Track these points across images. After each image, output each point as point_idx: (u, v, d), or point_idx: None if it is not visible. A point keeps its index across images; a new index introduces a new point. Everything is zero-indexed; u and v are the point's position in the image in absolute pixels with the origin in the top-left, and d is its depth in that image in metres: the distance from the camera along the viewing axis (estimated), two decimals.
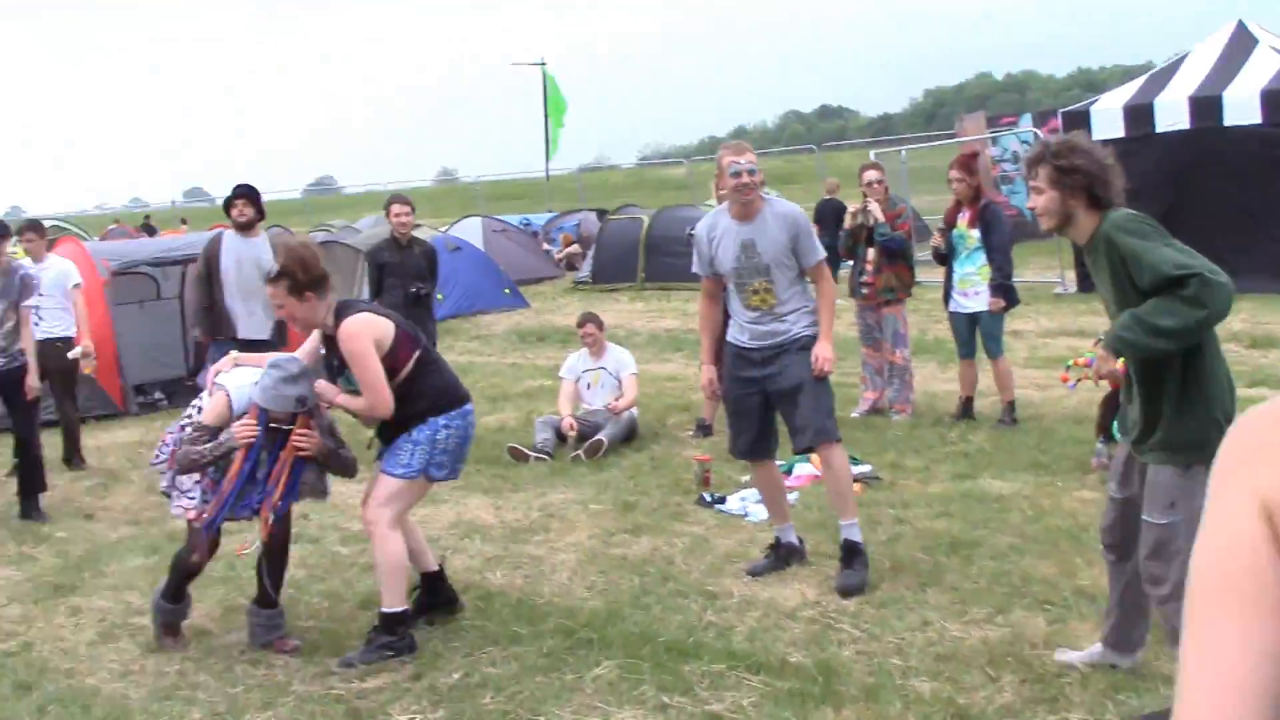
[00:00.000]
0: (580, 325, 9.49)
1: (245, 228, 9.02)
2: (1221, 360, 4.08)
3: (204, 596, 6.05)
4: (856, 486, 7.22)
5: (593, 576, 5.99)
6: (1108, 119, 14.76)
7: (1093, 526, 6.17)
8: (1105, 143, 14.60)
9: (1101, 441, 7.51)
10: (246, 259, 8.94)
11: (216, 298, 8.91)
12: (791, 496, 7.11)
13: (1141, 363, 4.05)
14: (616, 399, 9.21)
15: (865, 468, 7.64)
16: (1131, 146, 14.49)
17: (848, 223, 9.34)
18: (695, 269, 6.09)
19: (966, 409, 9.06)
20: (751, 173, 5.54)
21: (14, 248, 8.47)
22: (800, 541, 6.06)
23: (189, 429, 5.19)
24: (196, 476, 5.15)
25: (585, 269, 22.96)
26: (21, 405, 7.92)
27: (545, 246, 27.20)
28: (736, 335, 5.86)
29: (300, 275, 4.95)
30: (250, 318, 8.98)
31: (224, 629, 5.59)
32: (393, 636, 5.05)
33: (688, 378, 11.97)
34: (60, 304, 9.30)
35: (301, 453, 5.02)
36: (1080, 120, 15.06)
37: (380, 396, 4.91)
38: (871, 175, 9.29)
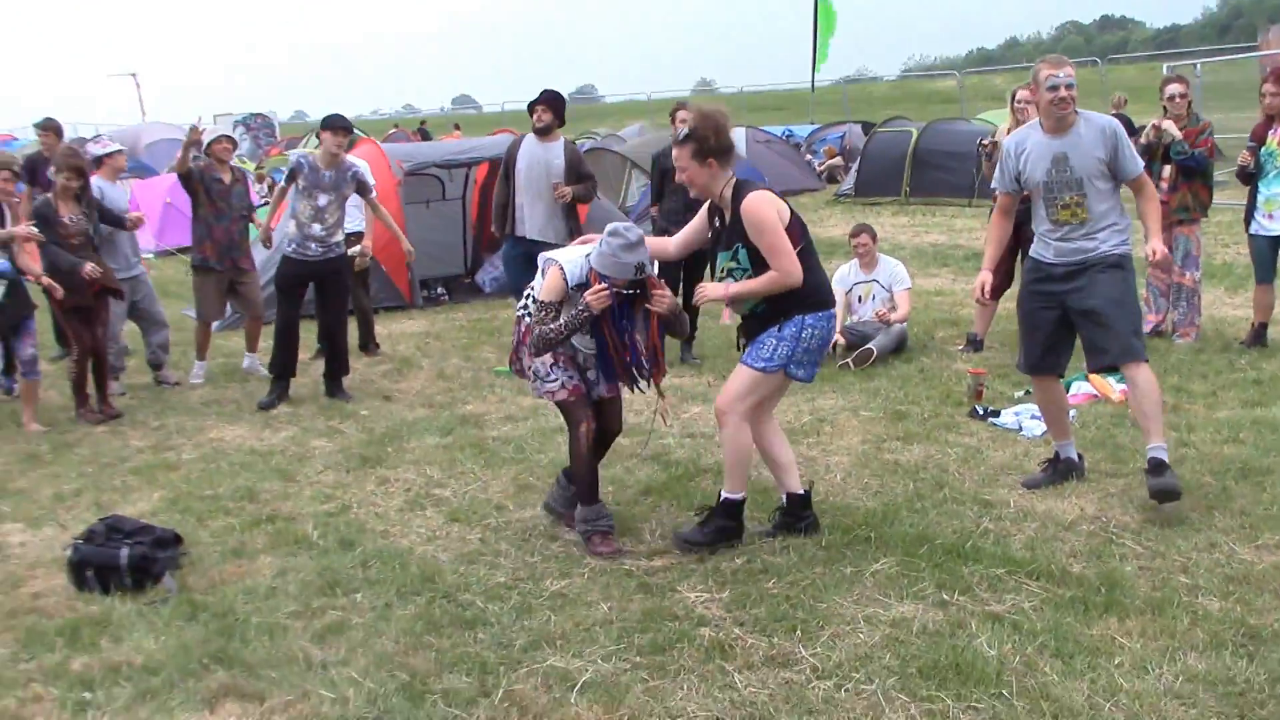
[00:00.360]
0: (854, 235, 9.46)
1: (543, 132, 9.37)
2: None
3: (498, 475, 6.51)
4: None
5: (866, 479, 6.11)
6: None
7: None
8: None
9: None
10: (538, 162, 9.33)
11: (511, 196, 9.35)
12: (1073, 413, 7.01)
13: None
14: (889, 310, 9.21)
15: None
16: None
17: (1144, 138, 8.95)
18: (994, 184, 6.04)
19: (1259, 335, 8.64)
20: (1070, 86, 5.41)
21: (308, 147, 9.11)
22: (1080, 458, 5.99)
23: (530, 309, 5.37)
24: (551, 359, 5.33)
25: (848, 182, 22.72)
26: (335, 295, 8.58)
27: (807, 158, 27.01)
28: (1040, 250, 5.76)
29: (711, 140, 5.00)
30: (533, 219, 9.40)
31: (519, 505, 5.99)
32: (730, 521, 5.22)
33: (954, 292, 11.82)
34: (356, 201, 9.97)
35: (658, 311, 5.20)
36: None
37: (791, 262, 4.91)
38: (1174, 89, 8.81)
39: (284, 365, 8.52)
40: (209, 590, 5.04)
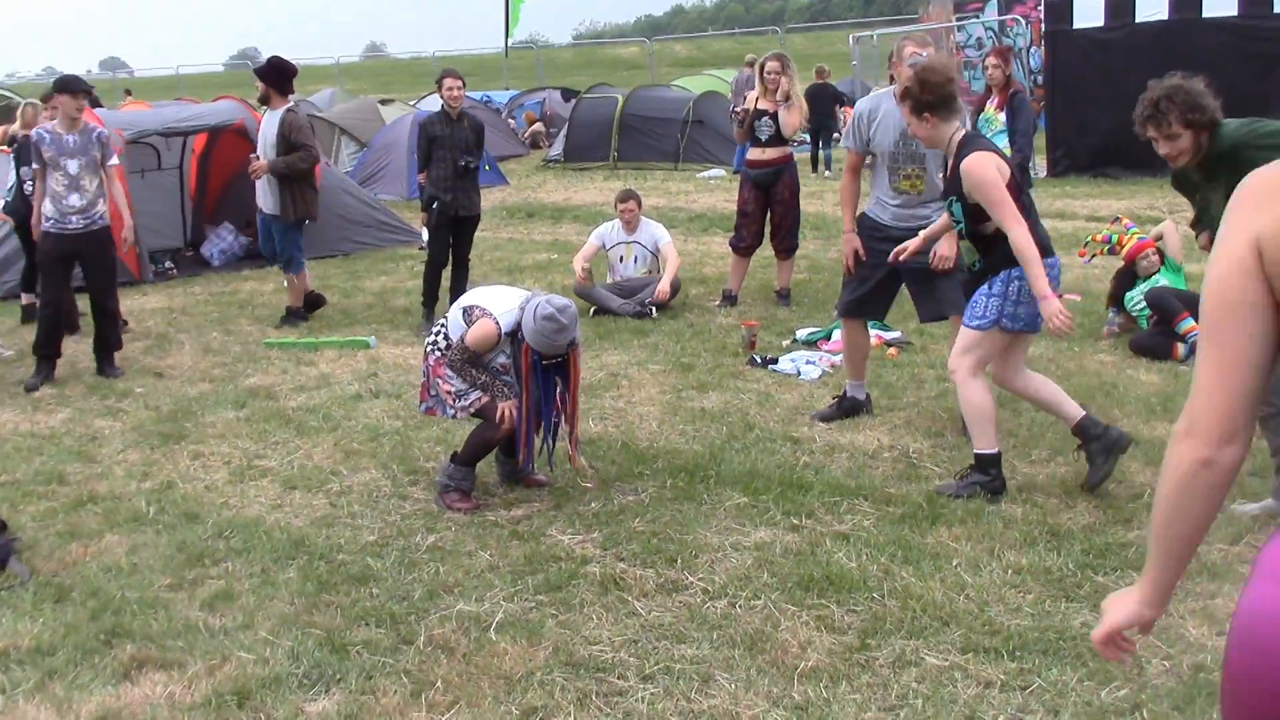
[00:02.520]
0: (622, 201, 9.81)
1: (263, 102, 9.80)
2: None
3: (317, 443, 6.56)
4: (892, 350, 7.90)
5: (680, 426, 6.56)
6: (1089, 8, 15.26)
7: (1122, 384, 6.90)
8: (1083, 32, 14.96)
9: (1113, 311, 8.19)
10: (263, 134, 9.72)
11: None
12: (838, 358, 7.73)
13: None
14: (649, 272, 9.72)
15: (896, 334, 8.25)
16: (1108, 36, 15.10)
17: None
18: (844, 143, 6.52)
19: None
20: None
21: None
22: (867, 397, 6.66)
23: (442, 345, 5.48)
24: (463, 383, 5.43)
25: (557, 147, 23.18)
26: (104, 268, 8.24)
27: (509, 124, 27.29)
28: (876, 212, 6.28)
29: (919, 93, 5.15)
30: (260, 190, 9.78)
31: (351, 470, 6.08)
32: (986, 476, 5.28)
33: (690, 252, 12.49)
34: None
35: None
36: (1062, 10, 15.55)
37: (1020, 220, 4.97)
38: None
39: (50, 346, 8.13)
40: (62, 572, 4.92)
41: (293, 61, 9.97)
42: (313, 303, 10.09)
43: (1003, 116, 9.13)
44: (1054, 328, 4.92)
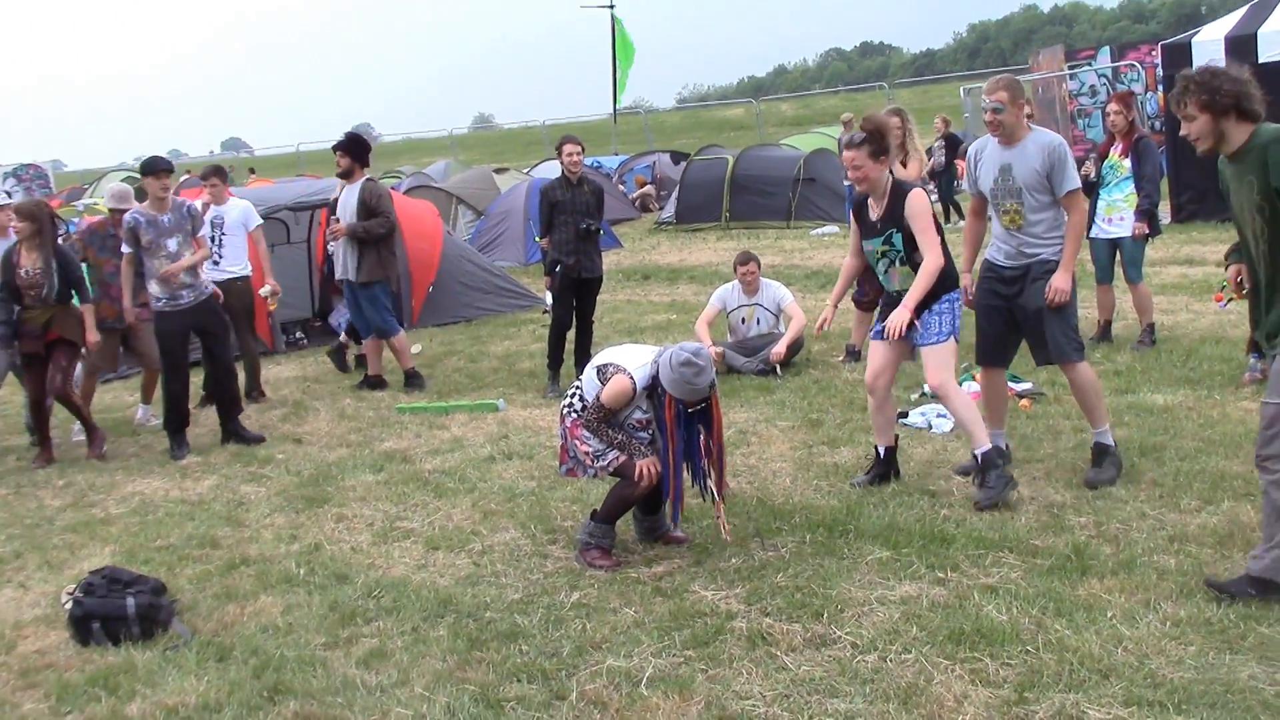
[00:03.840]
0: (743, 264, 9.84)
1: (344, 176, 10.06)
2: None
3: (455, 505, 6.69)
4: (1024, 402, 7.79)
5: (815, 481, 6.55)
6: (1209, 51, 14.96)
7: None
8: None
9: (1254, 357, 7.97)
10: (343, 205, 9.99)
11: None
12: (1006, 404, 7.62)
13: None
14: (771, 331, 9.74)
15: (1027, 384, 8.13)
16: None
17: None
18: (965, 186, 6.82)
19: (1105, 332, 9.52)
20: (996, 110, 6.02)
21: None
22: (1006, 446, 6.57)
23: (578, 407, 5.55)
24: (600, 443, 5.49)
25: (669, 209, 23.36)
26: (220, 335, 8.60)
27: (620, 188, 27.62)
28: (992, 254, 6.35)
29: (882, 140, 5.92)
30: (340, 259, 10.06)
31: (491, 530, 6.19)
32: (998, 467, 5.89)
33: (809, 309, 12.44)
34: (243, 244, 9.98)
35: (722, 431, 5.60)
36: (1181, 53, 15.30)
37: (940, 253, 5.90)
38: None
39: (180, 420, 8.45)
40: (222, 632, 5.09)
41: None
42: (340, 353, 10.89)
43: (1128, 163, 9.02)
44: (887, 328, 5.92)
